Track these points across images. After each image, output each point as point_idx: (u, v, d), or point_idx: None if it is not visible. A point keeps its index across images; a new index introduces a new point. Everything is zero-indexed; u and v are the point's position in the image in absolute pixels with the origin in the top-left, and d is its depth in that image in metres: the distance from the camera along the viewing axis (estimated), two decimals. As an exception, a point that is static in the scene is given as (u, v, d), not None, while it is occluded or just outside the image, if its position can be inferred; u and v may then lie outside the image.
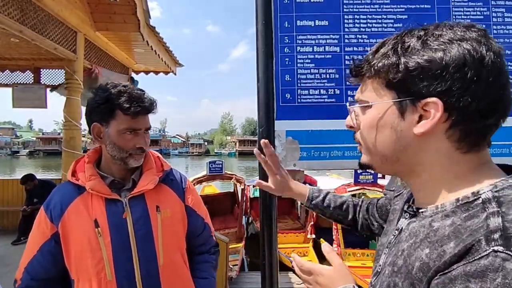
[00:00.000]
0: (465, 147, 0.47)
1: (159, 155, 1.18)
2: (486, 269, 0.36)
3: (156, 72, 5.69)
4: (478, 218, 0.41)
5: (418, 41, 0.47)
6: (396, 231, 0.55)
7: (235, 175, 6.83)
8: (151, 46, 4.10)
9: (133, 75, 5.41)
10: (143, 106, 0.97)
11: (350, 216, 0.94)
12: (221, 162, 6.54)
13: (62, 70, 4.01)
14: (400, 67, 0.47)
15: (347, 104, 0.59)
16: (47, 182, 5.34)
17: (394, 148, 0.50)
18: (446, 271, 0.39)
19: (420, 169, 0.50)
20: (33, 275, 0.94)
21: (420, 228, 0.48)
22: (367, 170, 0.72)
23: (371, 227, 0.90)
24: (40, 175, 7.76)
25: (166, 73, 5.66)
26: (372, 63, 0.51)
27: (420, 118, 0.47)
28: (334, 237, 5.88)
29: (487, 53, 0.44)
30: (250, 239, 6.55)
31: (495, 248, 0.37)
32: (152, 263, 0.96)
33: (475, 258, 0.37)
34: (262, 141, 0.98)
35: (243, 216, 6.76)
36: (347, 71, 0.59)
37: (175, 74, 5.63)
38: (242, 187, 6.69)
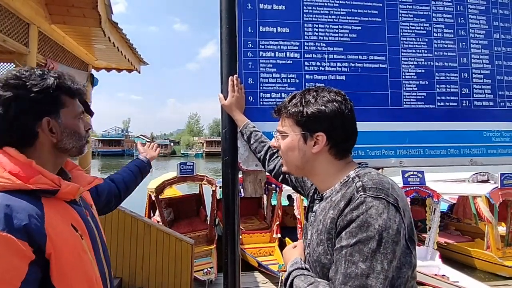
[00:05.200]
0: (339, 156, 0.83)
1: None
2: (358, 204, 0.69)
3: (119, 70, 5.44)
4: (351, 186, 0.75)
5: (313, 99, 0.81)
6: (313, 213, 0.86)
7: (206, 176, 6.69)
8: (113, 43, 3.92)
9: (93, 71, 5.13)
10: (80, 85, 0.88)
11: (262, 153, 1.21)
12: (192, 164, 6.36)
13: (12, 64, 3.69)
14: (303, 113, 0.81)
15: (274, 132, 0.90)
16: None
17: (301, 161, 0.84)
18: (342, 213, 0.71)
19: (317, 172, 0.85)
20: None
21: (326, 204, 0.80)
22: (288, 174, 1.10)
23: (285, 177, 1.15)
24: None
25: (130, 71, 5.44)
26: (288, 109, 0.84)
27: (315, 143, 0.81)
28: (298, 236, 6.06)
29: (345, 109, 0.81)
30: (216, 241, 6.50)
31: (361, 193, 0.71)
32: (107, 257, 0.92)
33: (354, 201, 0.70)
34: (235, 76, 1.29)
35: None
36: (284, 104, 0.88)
37: (139, 72, 5.42)
38: (214, 188, 6.59)
